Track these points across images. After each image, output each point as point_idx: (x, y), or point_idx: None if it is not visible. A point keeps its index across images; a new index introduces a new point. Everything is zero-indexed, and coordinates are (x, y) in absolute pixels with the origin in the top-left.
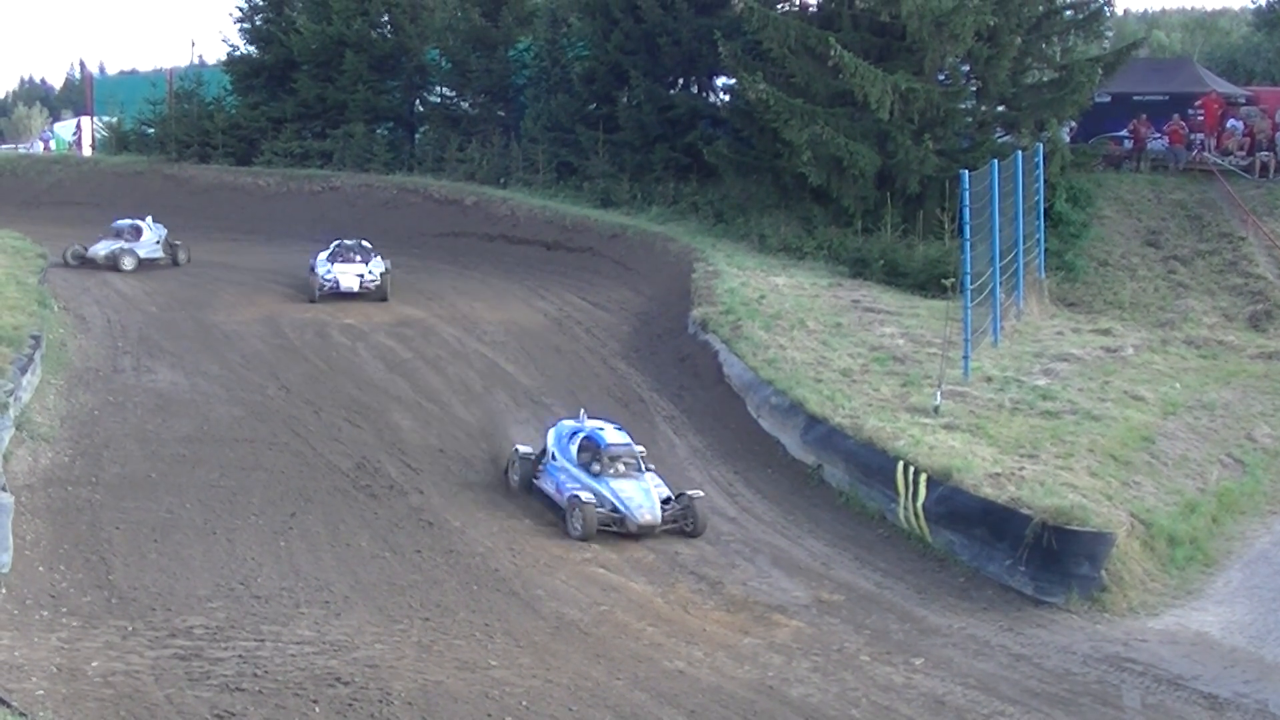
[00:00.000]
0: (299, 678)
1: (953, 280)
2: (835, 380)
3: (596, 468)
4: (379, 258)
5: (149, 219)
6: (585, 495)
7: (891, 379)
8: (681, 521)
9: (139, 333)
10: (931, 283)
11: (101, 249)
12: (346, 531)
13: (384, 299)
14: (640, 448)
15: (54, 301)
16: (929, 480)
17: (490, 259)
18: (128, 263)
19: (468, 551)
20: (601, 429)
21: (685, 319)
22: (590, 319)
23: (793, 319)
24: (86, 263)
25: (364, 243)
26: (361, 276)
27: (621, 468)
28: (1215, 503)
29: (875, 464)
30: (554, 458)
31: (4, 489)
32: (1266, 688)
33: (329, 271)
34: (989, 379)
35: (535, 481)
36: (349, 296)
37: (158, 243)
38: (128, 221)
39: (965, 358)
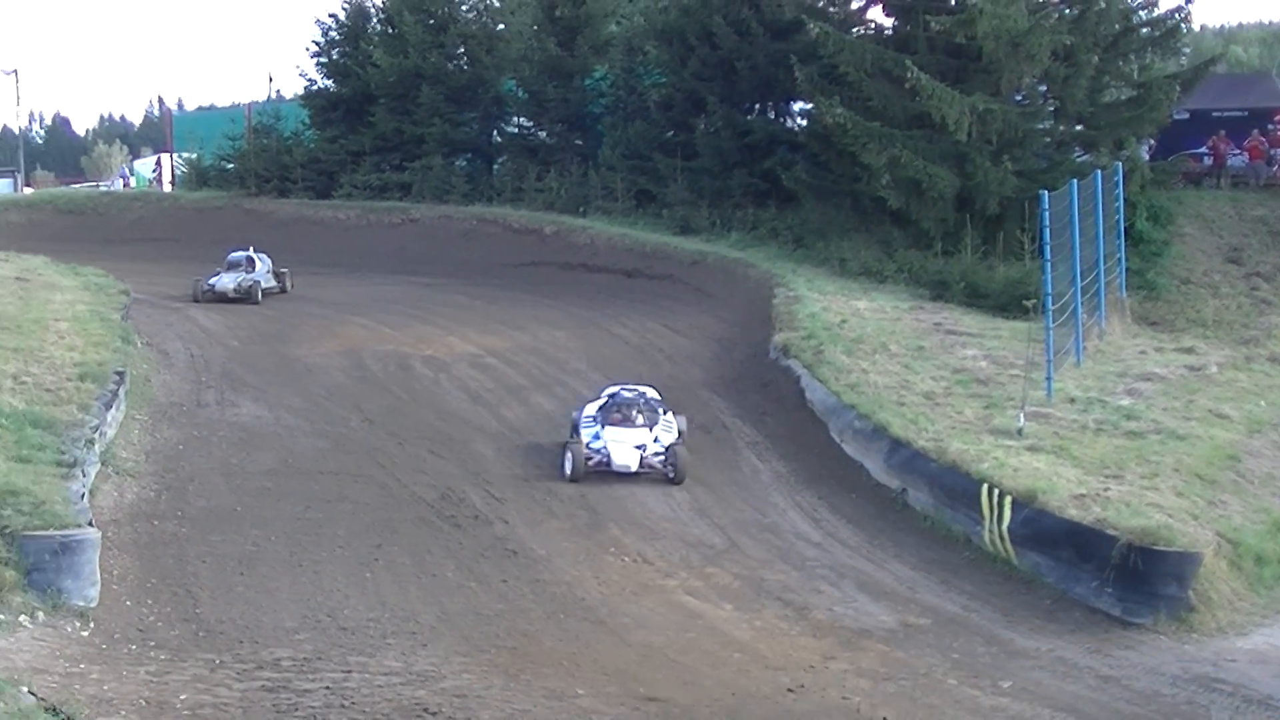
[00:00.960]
0: (386, 709)
1: (1034, 301)
2: (918, 404)
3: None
4: (666, 414)
5: (251, 249)
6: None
7: (974, 401)
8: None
9: (222, 367)
10: (1013, 304)
11: (229, 282)
12: (432, 562)
13: (678, 481)
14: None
15: (137, 337)
16: (1014, 502)
17: (570, 288)
18: (259, 293)
19: (553, 580)
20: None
21: (766, 345)
22: (671, 346)
23: (874, 343)
24: (218, 297)
25: (646, 392)
26: (643, 450)
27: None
28: None
29: (959, 487)
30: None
31: (90, 524)
32: None
33: (597, 437)
34: (1072, 400)
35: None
36: None
37: (269, 272)
38: (243, 253)
39: (1048, 379)
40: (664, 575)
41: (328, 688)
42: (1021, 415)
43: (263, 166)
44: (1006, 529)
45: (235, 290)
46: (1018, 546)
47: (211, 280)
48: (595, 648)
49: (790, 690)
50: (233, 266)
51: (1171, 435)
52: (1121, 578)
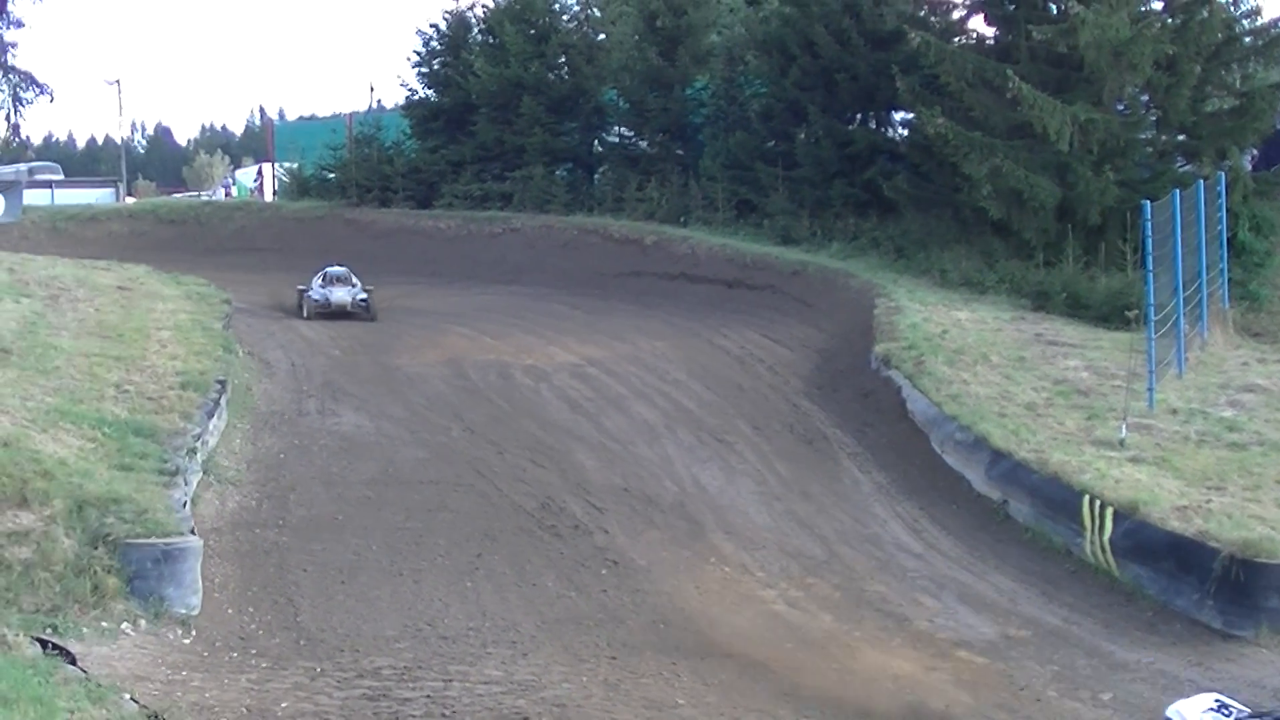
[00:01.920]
0: (487, 718)
1: (1136, 312)
2: (1019, 414)
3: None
4: None
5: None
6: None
7: (1075, 412)
8: (364, 310)
9: (323, 376)
10: (1114, 315)
11: (345, 296)
12: (532, 571)
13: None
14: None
15: (238, 346)
16: (1115, 514)
17: (671, 298)
18: (365, 309)
19: (653, 590)
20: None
21: (867, 355)
22: (772, 356)
23: (975, 353)
24: (334, 313)
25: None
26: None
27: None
28: None
29: (1060, 498)
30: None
31: (192, 532)
32: None
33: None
34: (1174, 411)
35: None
36: None
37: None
38: (340, 268)
39: (1150, 390)
40: (764, 586)
41: (428, 696)
42: (1123, 426)
43: (364, 176)
44: (1108, 540)
45: (354, 305)
46: (1119, 558)
47: (323, 293)
48: (695, 658)
49: (891, 701)
50: (338, 281)
51: (1274, 447)
52: (1223, 590)
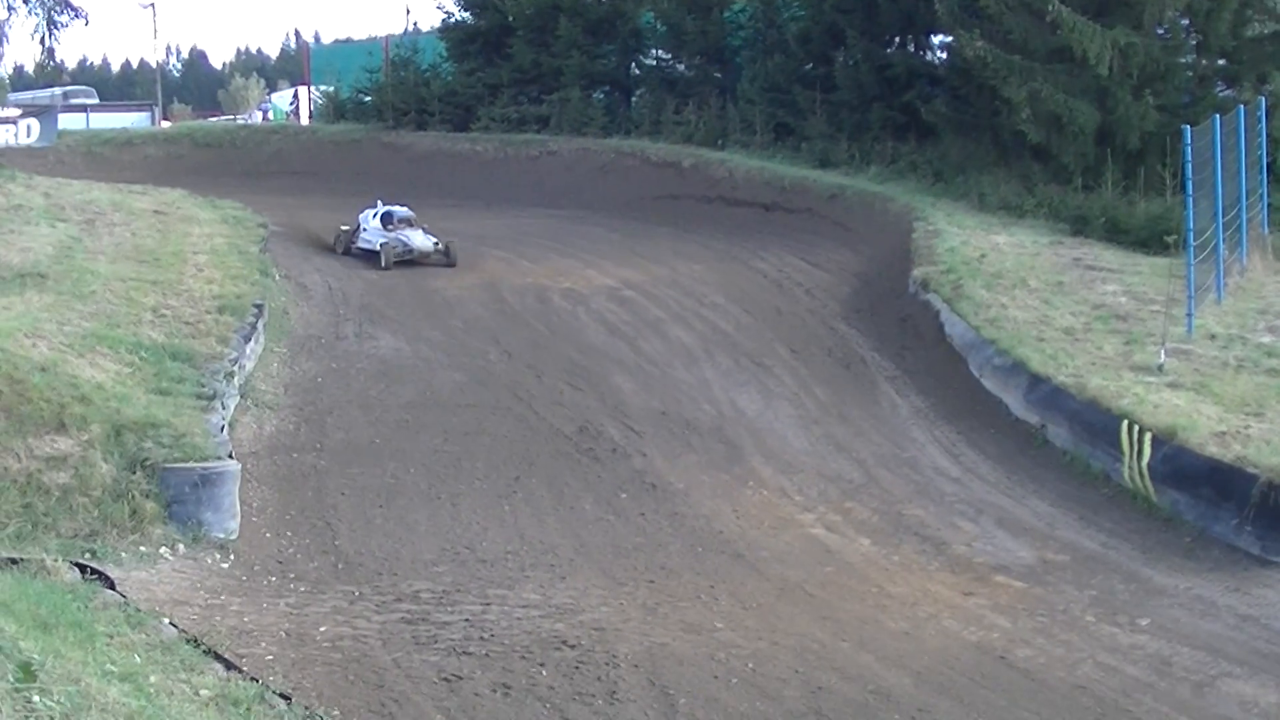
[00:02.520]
0: (525, 641)
1: (1175, 237)
2: (1058, 339)
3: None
4: None
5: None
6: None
7: (1114, 337)
8: (444, 255)
9: (360, 300)
10: (1153, 240)
11: (424, 242)
12: (570, 495)
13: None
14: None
15: (275, 270)
16: (1154, 439)
17: (708, 221)
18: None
19: (691, 514)
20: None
21: (905, 279)
22: (810, 280)
23: (1014, 278)
24: (414, 260)
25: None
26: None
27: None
28: None
29: (1099, 423)
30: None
31: (230, 456)
32: None
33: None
34: (1213, 337)
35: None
36: None
37: None
38: (404, 208)
39: (1189, 315)
40: (802, 509)
41: (467, 620)
42: (1162, 352)
43: (400, 99)
44: (1146, 466)
45: (436, 250)
46: (1157, 484)
47: (399, 238)
48: (733, 582)
49: (928, 626)
50: (406, 223)
51: None
52: (1262, 516)
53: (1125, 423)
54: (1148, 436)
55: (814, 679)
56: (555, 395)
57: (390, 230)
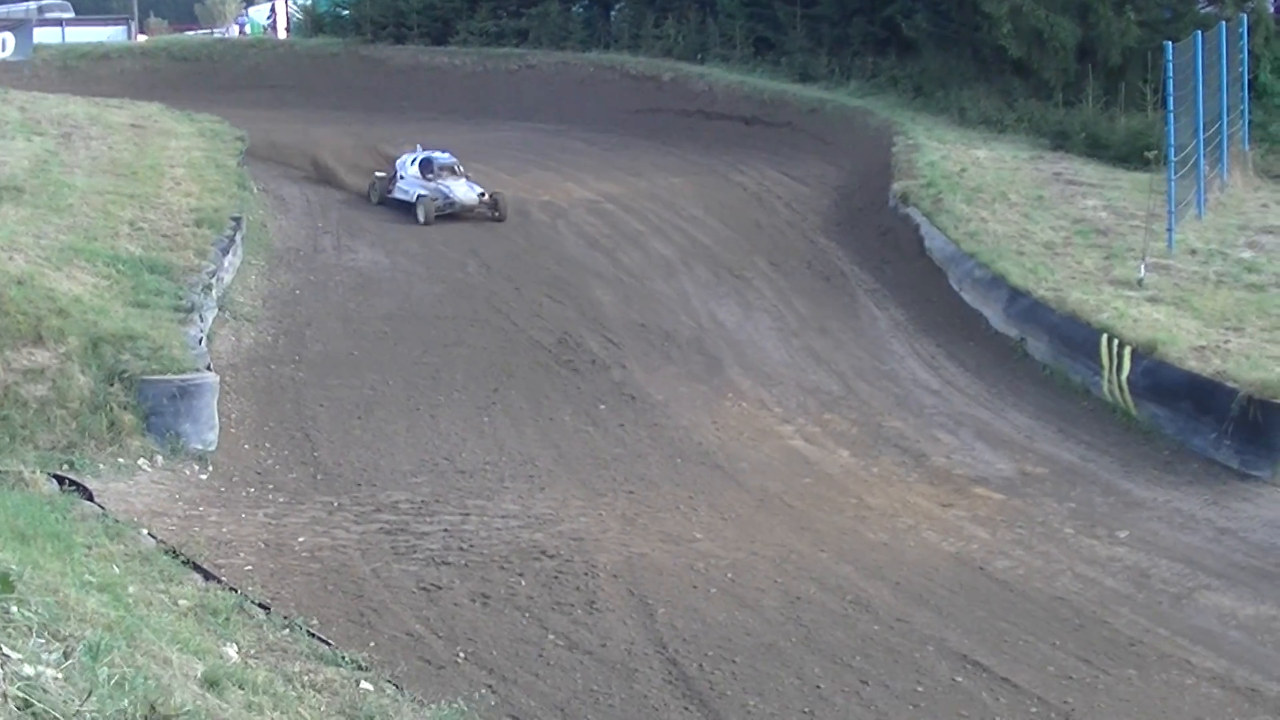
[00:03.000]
0: (504, 551)
1: (1156, 152)
2: (1038, 253)
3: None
4: None
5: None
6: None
7: (1094, 252)
8: (491, 208)
9: (338, 213)
10: (1133, 155)
11: (470, 194)
12: (549, 406)
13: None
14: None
15: (253, 183)
16: (1133, 353)
17: (688, 135)
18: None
19: (670, 425)
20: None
21: (885, 193)
22: (790, 193)
23: (994, 192)
24: (457, 213)
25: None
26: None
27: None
28: None
29: (1079, 337)
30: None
31: (209, 368)
32: None
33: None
34: (1193, 252)
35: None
36: None
37: None
38: (445, 154)
39: (1169, 230)
40: (781, 421)
41: (445, 530)
42: (1142, 266)
43: (378, 13)
44: (1126, 380)
45: (481, 202)
46: (1137, 397)
47: (439, 189)
48: (712, 493)
49: (907, 537)
50: (448, 171)
51: None
52: (1240, 430)
53: (1105, 336)
54: (1127, 350)
55: (793, 589)
56: (534, 307)
57: (430, 179)
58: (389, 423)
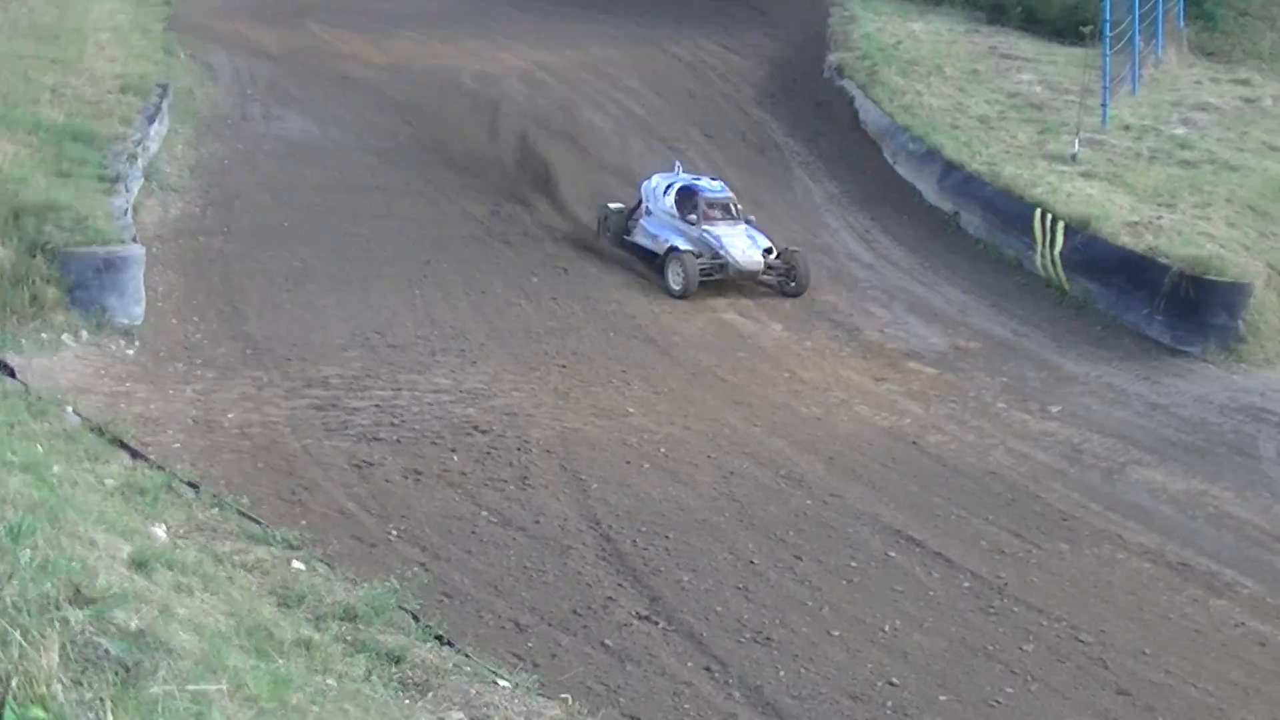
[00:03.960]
0: (436, 426)
1: (1092, 28)
2: (972, 127)
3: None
4: None
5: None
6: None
7: (1029, 126)
8: (783, 276)
9: (268, 80)
10: (1069, 30)
11: (754, 252)
12: (482, 279)
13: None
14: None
15: (180, 49)
16: (1067, 228)
17: (622, 4)
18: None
19: (604, 299)
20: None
21: (820, 65)
22: (725, 64)
23: (929, 65)
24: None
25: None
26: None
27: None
28: None
29: (1013, 211)
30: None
31: (134, 240)
32: None
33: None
34: (1127, 128)
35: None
36: None
37: None
38: (717, 184)
39: (1104, 106)
40: (714, 294)
41: (377, 405)
42: (1076, 142)
43: None
44: (1059, 255)
45: (769, 268)
46: (1070, 273)
47: (709, 238)
48: (646, 367)
49: (840, 411)
50: (723, 210)
51: (1225, 166)
52: (1172, 306)
53: (1039, 211)
54: (1061, 225)
55: (726, 463)
56: (466, 179)
57: (691, 221)
58: (319, 296)
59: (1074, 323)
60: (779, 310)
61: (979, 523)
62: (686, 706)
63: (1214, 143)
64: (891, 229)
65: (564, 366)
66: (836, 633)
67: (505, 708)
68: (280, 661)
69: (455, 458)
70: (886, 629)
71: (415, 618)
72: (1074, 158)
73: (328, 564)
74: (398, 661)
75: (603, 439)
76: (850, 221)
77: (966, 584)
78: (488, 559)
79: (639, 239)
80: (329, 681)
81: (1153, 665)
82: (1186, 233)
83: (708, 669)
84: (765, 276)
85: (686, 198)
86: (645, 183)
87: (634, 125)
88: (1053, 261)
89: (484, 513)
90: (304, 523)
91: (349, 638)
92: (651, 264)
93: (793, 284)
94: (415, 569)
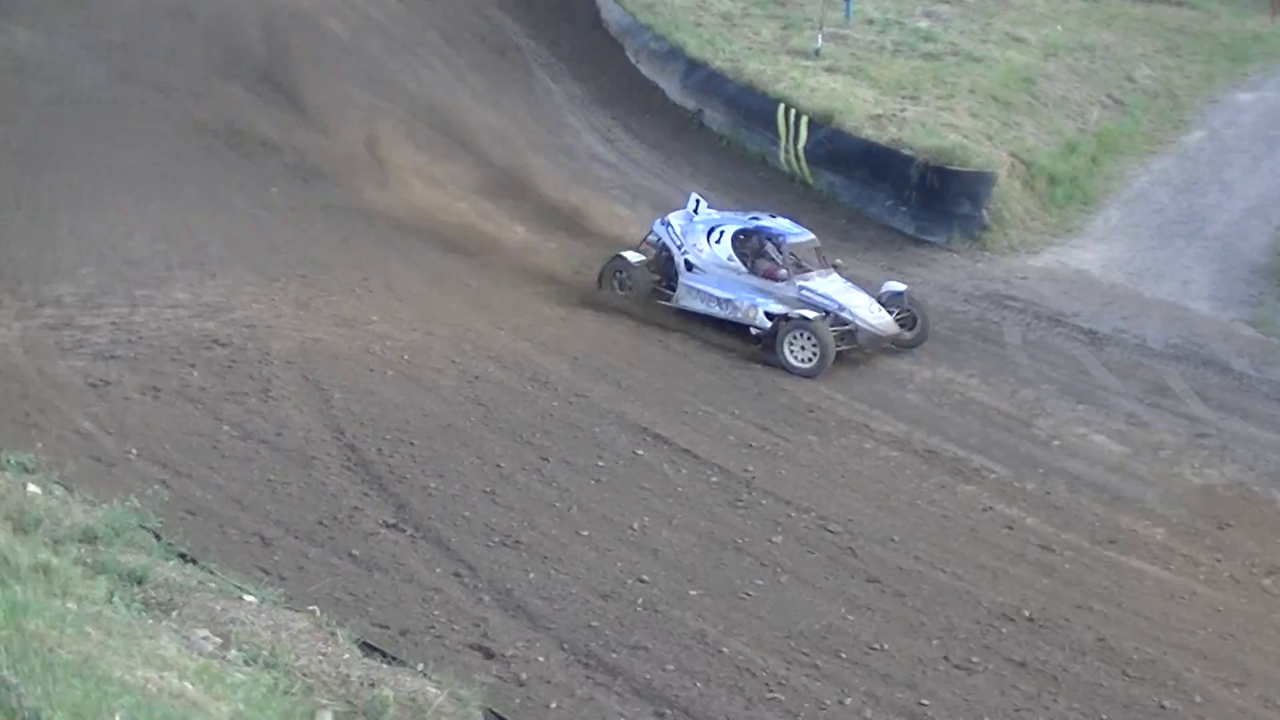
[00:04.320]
0: (175, 342)
1: None
2: (715, 24)
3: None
4: None
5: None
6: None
7: (772, 22)
8: (911, 328)
9: None
10: None
11: (880, 313)
12: (220, 191)
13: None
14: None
15: None
16: (810, 123)
17: None
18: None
19: (343, 205)
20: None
21: None
22: None
23: None
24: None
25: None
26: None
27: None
28: (1095, 143)
29: (756, 107)
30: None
31: None
32: (1144, 323)
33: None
34: (870, 21)
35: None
36: None
37: None
38: (801, 230)
39: (846, 1)
40: (456, 199)
41: (113, 323)
42: (819, 36)
43: None
44: (803, 149)
45: (900, 331)
46: (814, 166)
47: (826, 300)
48: (388, 273)
49: (585, 313)
50: (816, 257)
51: (968, 58)
52: (917, 197)
53: (782, 106)
54: (804, 120)
55: (471, 368)
56: (201, 89)
57: (781, 279)
58: (51, 213)
59: (819, 216)
60: (520, 212)
61: (726, 418)
62: (436, 613)
63: (957, 35)
64: (634, 128)
65: (304, 276)
66: (585, 532)
67: (252, 622)
68: (17, 588)
69: (195, 373)
70: (635, 527)
71: (157, 536)
72: (817, 53)
73: (65, 486)
74: (140, 582)
75: (345, 348)
76: (593, 122)
77: (715, 479)
78: (230, 474)
79: (691, 304)
80: (69, 605)
81: (901, 552)
82: (930, 124)
83: (457, 574)
84: (890, 343)
85: (751, 243)
86: (663, 226)
87: (372, 30)
88: (796, 156)
89: (225, 427)
90: (40, 445)
91: (89, 560)
92: (718, 325)
93: (913, 334)
94: (156, 487)
